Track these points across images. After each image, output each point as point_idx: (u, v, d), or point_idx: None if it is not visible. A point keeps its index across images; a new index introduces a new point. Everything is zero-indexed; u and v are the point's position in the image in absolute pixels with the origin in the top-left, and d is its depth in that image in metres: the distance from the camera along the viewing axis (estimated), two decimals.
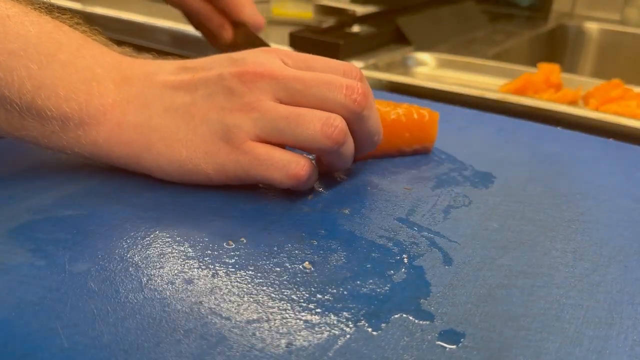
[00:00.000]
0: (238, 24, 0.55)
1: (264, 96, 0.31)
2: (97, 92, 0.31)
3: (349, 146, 0.33)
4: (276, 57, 0.33)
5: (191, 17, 0.57)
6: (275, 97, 0.31)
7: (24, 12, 0.31)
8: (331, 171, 0.36)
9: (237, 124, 0.31)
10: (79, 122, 0.31)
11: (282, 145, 0.32)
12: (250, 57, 0.32)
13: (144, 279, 0.25)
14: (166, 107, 0.32)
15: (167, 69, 0.33)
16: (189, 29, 0.61)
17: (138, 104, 0.32)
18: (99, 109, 0.31)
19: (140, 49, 0.42)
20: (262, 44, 0.51)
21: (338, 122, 0.31)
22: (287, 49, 0.58)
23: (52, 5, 0.33)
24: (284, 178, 0.31)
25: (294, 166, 0.31)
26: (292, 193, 0.34)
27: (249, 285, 0.26)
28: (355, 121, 0.32)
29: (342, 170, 0.37)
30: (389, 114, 0.38)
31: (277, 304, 0.25)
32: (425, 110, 0.40)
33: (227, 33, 0.55)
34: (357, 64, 0.65)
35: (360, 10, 0.80)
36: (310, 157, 0.34)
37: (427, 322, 0.24)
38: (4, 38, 0.29)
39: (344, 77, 0.33)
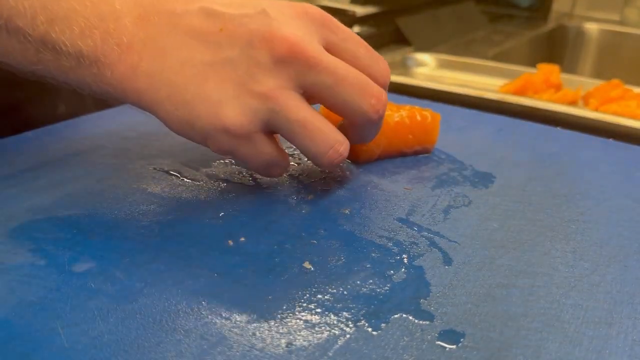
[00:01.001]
0: None
1: (290, 84, 0.29)
2: (113, 29, 0.29)
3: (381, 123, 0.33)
4: (314, 32, 0.31)
5: None
6: (301, 85, 0.30)
7: None
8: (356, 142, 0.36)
9: (252, 109, 0.29)
10: (94, 60, 0.29)
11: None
12: (286, 22, 0.30)
13: (144, 278, 0.25)
14: (182, 61, 0.29)
15: (193, 9, 0.30)
16: None
17: (155, 49, 0.30)
18: (114, 49, 0.29)
19: None
20: None
21: (344, 149, 0.31)
22: None
23: None
24: (263, 174, 0.33)
25: (276, 169, 0.32)
26: (292, 193, 0.34)
27: (249, 285, 0.26)
28: (366, 125, 0.32)
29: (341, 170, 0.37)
30: (391, 117, 0.38)
31: (277, 304, 0.25)
32: (428, 111, 0.40)
33: None
34: None
35: (360, 10, 0.80)
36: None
37: (427, 322, 0.24)
38: None
39: (378, 75, 0.32)
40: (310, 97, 0.31)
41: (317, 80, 0.30)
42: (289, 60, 0.29)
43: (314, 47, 0.30)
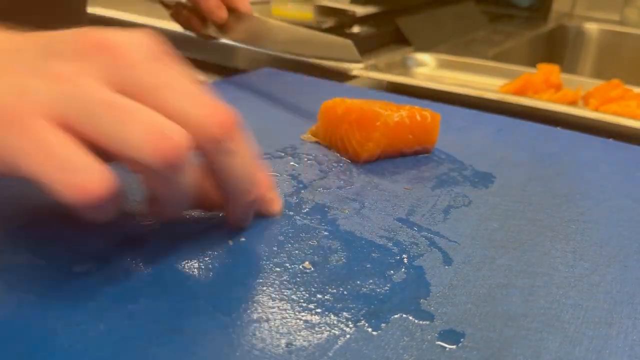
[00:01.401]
0: (231, 10, 0.54)
1: (94, 73, 0.23)
2: None
3: (183, 180, 0.24)
4: (145, 46, 0.24)
5: None
6: (109, 80, 0.23)
7: None
8: (159, 217, 0.28)
9: (34, 89, 0.22)
10: None
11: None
12: (112, 32, 0.24)
13: (144, 279, 0.25)
14: None
15: (17, 38, 0.24)
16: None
17: None
18: None
19: None
20: (259, 21, 0.51)
21: (177, 135, 0.22)
22: None
23: None
24: (64, 187, 0.21)
25: (90, 176, 0.21)
26: (292, 193, 0.34)
27: (249, 285, 0.26)
28: (216, 155, 0.25)
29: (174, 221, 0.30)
30: (391, 117, 0.38)
31: (277, 304, 0.25)
32: (427, 111, 0.40)
33: (222, 12, 0.52)
34: (358, 64, 0.64)
35: (360, 10, 0.80)
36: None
37: (427, 322, 0.24)
38: None
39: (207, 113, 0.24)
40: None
41: (133, 77, 0.23)
42: (100, 52, 0.23)
43: (137, 49, 0.24)
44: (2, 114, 0.21)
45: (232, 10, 0.54)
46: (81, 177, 0.21)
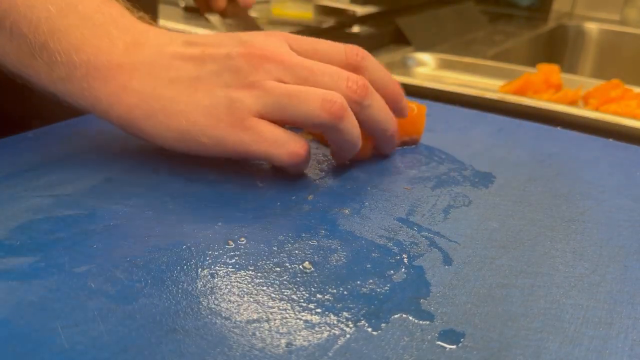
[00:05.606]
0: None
1: (269, 76, 0.32)
2: (106, 48, 0.32)
3: (351, 124, 0.33)
4: (283, 41, 0.34)
5: None
6: (279, 79, 0.32)
7: None
8: (342, 158, 0.37)
9: (241, 99, 0.32)
10: (85, 74, 0.32)
11: (282, 126, 0.33)
12: (258, 40, 0.33)
13: (144, 279, 0.25)
14: (171, 78, 0.32)
15: (177, 41, 0.34)
16: (191, 30, 0.61)
17: (144, 72, 0.32)
18: (105, 65, 0.32)
19: None
20: (252, 21, 0.52)
21: (337, 98, 0.32)
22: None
23: None
24: (284, 155, 0.32)
25: (294, 144, 0.32)
26: (292, 193, 0.34)
27: (249, 285, 0.26)
28: (358, 110, 0.34)
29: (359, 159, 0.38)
30: None
31: (277, 304, 0.25)
32: (414, 103, 0.41)
33: (221, 1, 0.56)
34: None
35: (360, 10, 0.80)
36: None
37: (427, 322, 0.24)
38: None
39: (344, 61, 0.35)
40: None
41: (292, 72, 0.33)
42: (265, 62, 0.32)
43: (284, 50, 0.33)
44: (223, 119, 0.32)
45: (232, 1, 0.55)
46: (292, 147, 0.32)
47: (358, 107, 0.34)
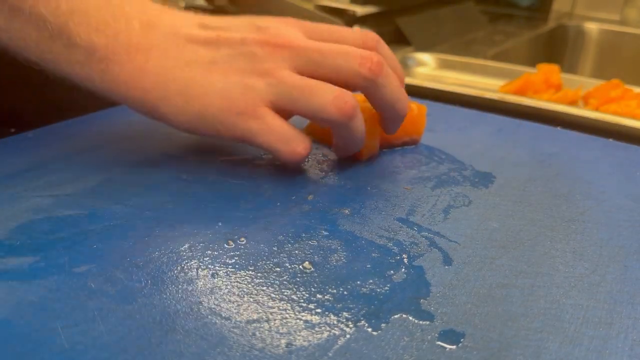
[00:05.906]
0: None
1: (283, 64, 0.33)
2: (124, 29, 0.32)
3: (359, 124, 0.34)
4: (297, 28, 0.34)
5: None
6: (293, 66, 0.33)
7: None
8: (344, 153, 0.38)
9: (254, 86, 0.32)
10: (104, 57, 0.32)
11: (291, 117, 0.34)
12: (272, 27, 0.34)
13: (144, 279, 0.25)
14: (187, 61, 0.33)
15: (192, 23, 0.34)
16: None
17: (160, 53, 0.33)
18: (124, 48, 0.32)
19: None
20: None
21: (349, 98, 0.33)
22: None
23: None
24: (287, 153, 0.33)
25: (299, 143, 0.33)
26: (292, 193, 0.34)
27: (249, 285, 0.26)
28: (372, 90, 0.34)
29: (366, 157, 0.39)
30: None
31: (277, 304, 0.25)
32: (414, 103, 0.41)
33: None
34: None
35: (360, 10, 0.80)
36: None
37: (427, 322, 0.24)
38: None
39: (361, 44, 0.35)
40: (304, 76, 0.34)
41: (305, 57, 0.33)
42: (279, 49, 0.33)
43: (297, 36, 0.34)
44: (236, 104, 0.32)
45: None
46: (294, 145, 0.33)
47: (372, 86, 0.34)
